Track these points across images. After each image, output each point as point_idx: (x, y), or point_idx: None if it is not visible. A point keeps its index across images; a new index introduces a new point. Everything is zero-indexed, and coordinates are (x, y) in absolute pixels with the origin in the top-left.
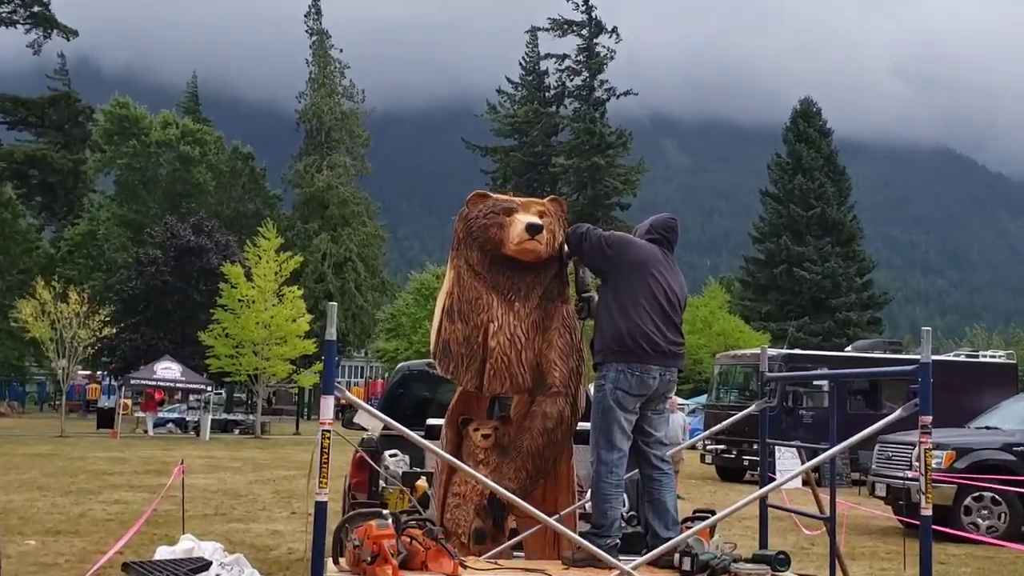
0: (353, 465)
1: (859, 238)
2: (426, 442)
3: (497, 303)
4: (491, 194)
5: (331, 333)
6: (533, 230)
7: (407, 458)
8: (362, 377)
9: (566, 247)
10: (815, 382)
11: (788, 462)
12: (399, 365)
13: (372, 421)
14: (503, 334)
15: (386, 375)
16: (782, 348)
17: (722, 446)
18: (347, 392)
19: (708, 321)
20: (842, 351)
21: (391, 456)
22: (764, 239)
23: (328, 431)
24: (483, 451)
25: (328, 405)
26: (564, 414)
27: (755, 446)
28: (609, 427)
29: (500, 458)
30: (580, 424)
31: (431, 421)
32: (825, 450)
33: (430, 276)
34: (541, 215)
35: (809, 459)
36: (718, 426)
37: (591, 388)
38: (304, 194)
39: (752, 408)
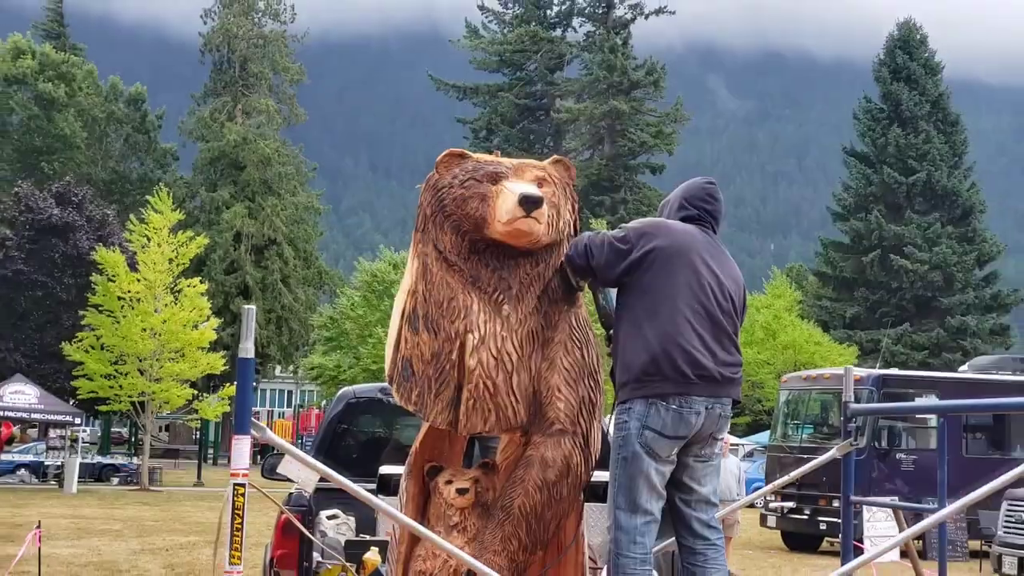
0: (277, 531)
1: (979, 213)
2: (378, 500)
3: (479, 306)
4: (470, 154)
5: (246, 348)
6: (529, 204)
7: (352, 521)
8: (290, 406)
9: (570, 273)
10: (919, 415)
11: (881, 526)
12: (342, 391)
13: (303, 470)
14: (487, 349)
15: (324, 404)
16: (874, 367)
17: (790, 504)
18: (268, 430)
19: (771, 329)
20: (956, 371)
21: (330, 519)
22: (849, 215)
23: (242, 484)
24: (458, 512)
25: (242, 448)
26: (571, 461)
27: (836, 503)
28: (633, 481)
29: (482, 522)
30: (595, 474)
31: (386, 470)
32: (933, 510)
33: (385, 265)
34: (540, 183)
35: (910, 522)
36: (786, 477)
37: (609, 423)
38: (210, 151)
39: (833, 452)
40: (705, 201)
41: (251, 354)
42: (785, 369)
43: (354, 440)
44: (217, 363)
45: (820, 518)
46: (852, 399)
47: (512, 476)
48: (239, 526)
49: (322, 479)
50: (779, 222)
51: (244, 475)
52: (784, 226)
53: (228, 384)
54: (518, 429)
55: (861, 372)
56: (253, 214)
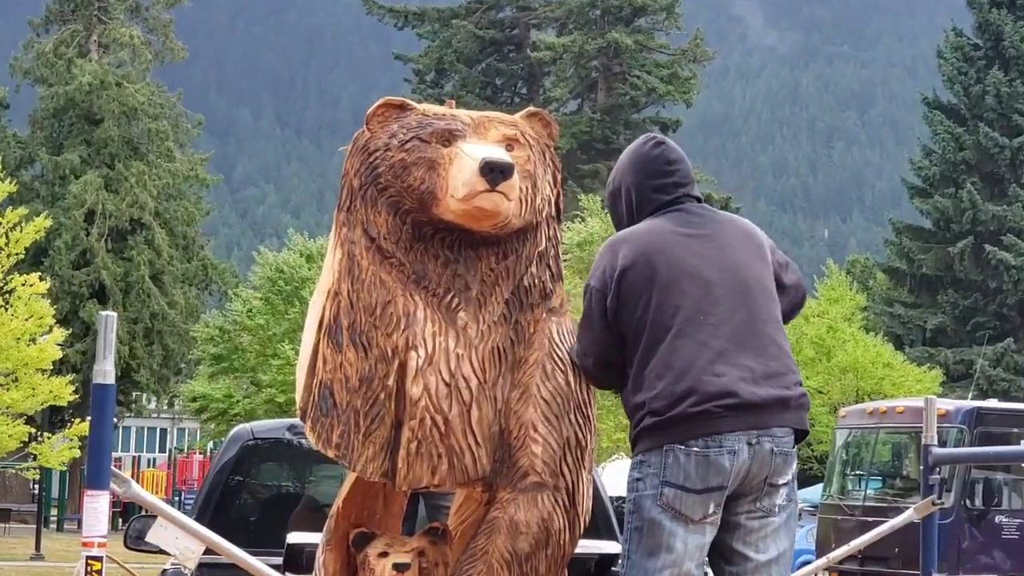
0: None
1: None
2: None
3: (425, 313)
4: (414, 104)
5: (104, 371)
6: (495, 174)
7: None
8: (163, 450)
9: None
10: None
11: None
12: (236, 430)
13: (182, 538)
14: (435, 373)
15: (211, 447)
16: (965, 397)
17: None
18: (135, 484)
19: (824, 346)
20: None
21: None
22: (931, 189)
23: (98, 557)
24: None
25: (98, 507)
26: (551, 525)
27: None
28: (652, 560)
29: None
30: (582, 544)
31: (296, 538)
32: None
33: (296, 257)
34: (510, 144)
35: None
36: (845, 548)
37: (604, 473)
38: (54, 98)
39: (909, 513)
40: (666, 174)
41: (111, 379)
42: (844, 401)
43: (252, 497)
44: (63, 391)
45: None
46: (935, 441)
47: (470, 547)
48: None
49: (208, 550)
50: (835, 199)
51: (101, 544)
52: (842, 204)
53: (79, 420)
54: (478, 482)
55: (948, 405)
56: (112, 186)
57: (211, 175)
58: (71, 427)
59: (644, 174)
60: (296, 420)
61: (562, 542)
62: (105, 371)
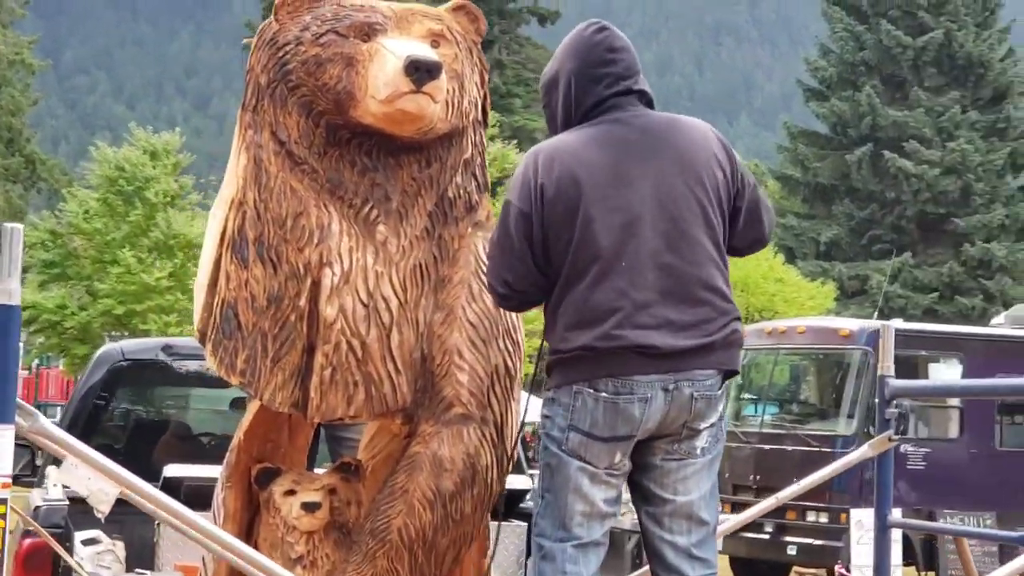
0: (18, 565)
1: (1017, 96)
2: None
3: (340, 226)
4: None
5: (9, 289)
6: (420, 73)
7: (119, 548)
8: None
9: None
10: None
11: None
12: (103, 350)
13: (94, 479)
14: (352, 292)
15: (38, 364)
16: (860, 315)
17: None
18: (42, 416)
19: None
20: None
21: (87, 544)
22: (828, 91)
23: (3, 500)
24: (304, 539)
25: (3, 444)
26: (478, 461)
27: (812, 517)
28: (558, 495)
29: (340, 553)
30: (511, 480)
31: (174, 471)
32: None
33: (138, 153)
34: (436, 40)
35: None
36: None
37: (530, 405)
38: None
39: (864, 449)
40: (608, 63)
41: (16, 299)
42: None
43: (122, 423)
44: None
45: (787, 538)
46: (892, 372)
47: (388, 485)
48: None
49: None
50: (722, 100)
51: (5, 485)
52: (729, 106)
53: None
54: (398, 413)
55: (851, 325)
56: None
57: (38, 60)
58: None
59: (583, 61)
60: (172, 340)
61: (489, 480)
62: (11, 290)
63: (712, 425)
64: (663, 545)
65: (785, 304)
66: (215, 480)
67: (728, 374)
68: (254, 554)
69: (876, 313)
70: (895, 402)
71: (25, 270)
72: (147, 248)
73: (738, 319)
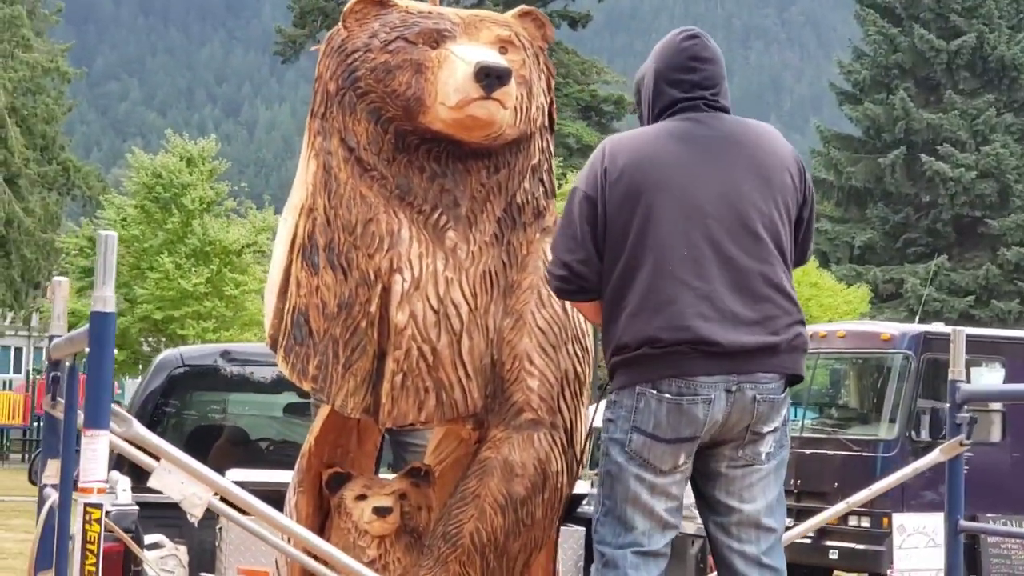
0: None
1: None
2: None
3: (410, 232)
4: (396, 0)
5: (104, 296)
6: (491, 79)
7: (182, 552)
8: (19, 371)
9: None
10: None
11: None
12: (163, 356)
13: (187, 483)
14: (422, 298)
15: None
16: (896, 318)
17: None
18: (136, 422)
19: None
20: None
21: (149, 548)
22: (862, 94)
23: (99, 505)
24: (376, 543)
25: (98, 449)
26: (548, 467)
27: (855, 522)
28: (620, 503)
29: (411, 558)
30: (580, 485)
31: (235, 475)
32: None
33: (175, 160)
34: (504, 47)
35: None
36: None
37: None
38: None
39: (935, 454)
40: (688, 70)
41: (111, 306)
42: None
43: (181, 431)
44: None
45: (829, 543)
46: (963, 376)
47: (459, 490)
48: (93, 569)
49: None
50: (751, 103)
51: (100, 491)
52: (759, 109)
53: None
54: (468, 419)
55: (892, 329)
56: None
57: (72, 68)
58: None
59: (666, 65)
60: (230, 345)
61: (559, 485)
62: (105, 298)
63: (775, 430)
64: (732, 554)
65: (820, 309)
66: (275, 485)
67: (792, 379)
68: (351, 563)
69: (917, 317)
70: (966, 407)
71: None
72: (184, 254)
73: (803, 323)
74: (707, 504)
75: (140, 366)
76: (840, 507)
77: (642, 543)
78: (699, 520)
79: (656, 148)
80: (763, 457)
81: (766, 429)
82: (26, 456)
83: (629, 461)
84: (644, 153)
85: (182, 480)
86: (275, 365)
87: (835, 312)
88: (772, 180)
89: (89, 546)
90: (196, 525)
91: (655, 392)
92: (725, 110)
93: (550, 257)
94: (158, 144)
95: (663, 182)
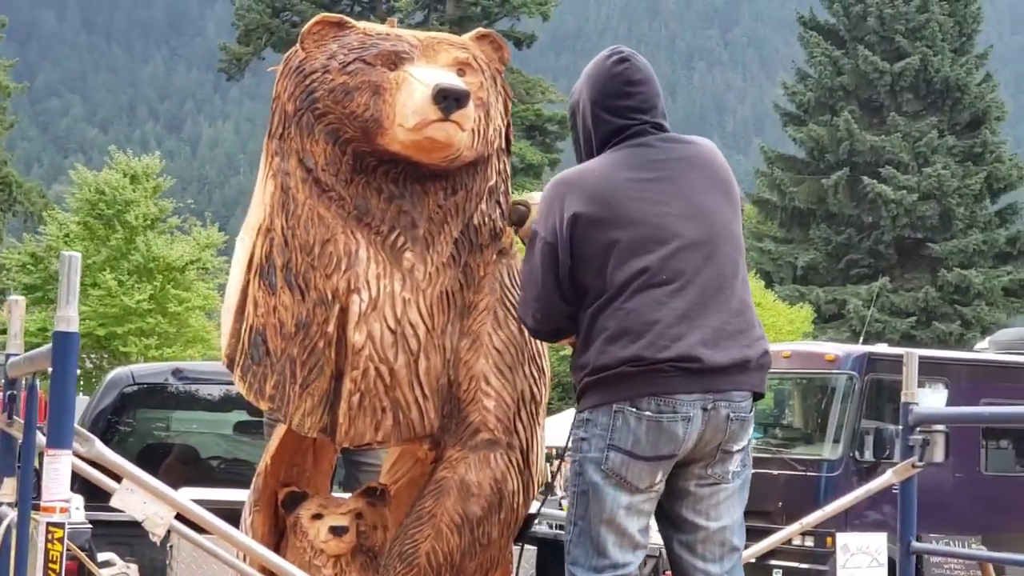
0: None
1: (994, 120)
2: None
3: (368, 253)
4: (353, 22)
5: (68, 316)
6: (449, 101)
7: (133, 570)
8: None
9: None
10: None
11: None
12: (114, 374)
13: (150, 503)
14: (380, 319)
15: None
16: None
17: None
18: (99, 442)
19: None
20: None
21: (101, 566)
22: (806, 115)
23: (60, 524)
24: (331, 562)
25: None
26: (504, 487)
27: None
28: (594, 526)
29: (366, 575)
30: (535, 506)
31: (188, 493)
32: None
33: (118, 176)
34: (462, 69)
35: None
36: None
37: (559, 431)
38: None
39: (888, 475)
40: (624, 95)
41: (75, 326)
42: None
43: (130, 450)
44: None
45: (773, 562)
46: (916, 399)
47: (415, 509)
48: None
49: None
50: (694, 123)
51: (63, 510)
52: (702, 129)
53: None
54: (425, 439)
55: (836, 350)
56: None
57: (13, 83)
58: None
59: (600, 92)
60: (181, 364)
61: (516, 505)
62: (69, 317)
63: (742, 449)
64: (696, 573)
65: (764, 328)
66: (227, 503)
67: (756, 396)
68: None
69: (860, 338)
70: (917, 429)
71: (2, 292)
72: (127, 271)
73: (765, 338)
74: (671, 523)
75: (82, 383)
76: (794, 527)
77: (617, 566)
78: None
79: (616, 181)
80: (730, 476)
81: (735, 448)
82: None
83: (605, 480)
84: (604, 187)
85: (144, 500)
86: (226, 383)
87: (779, 332)
88: (732, 195)
89: (51, 565)
90: (157, 544)
91: (634, 410)
92: (660, 126)
93: (518, 297)
94: (100, 160)
95: (631, 213)
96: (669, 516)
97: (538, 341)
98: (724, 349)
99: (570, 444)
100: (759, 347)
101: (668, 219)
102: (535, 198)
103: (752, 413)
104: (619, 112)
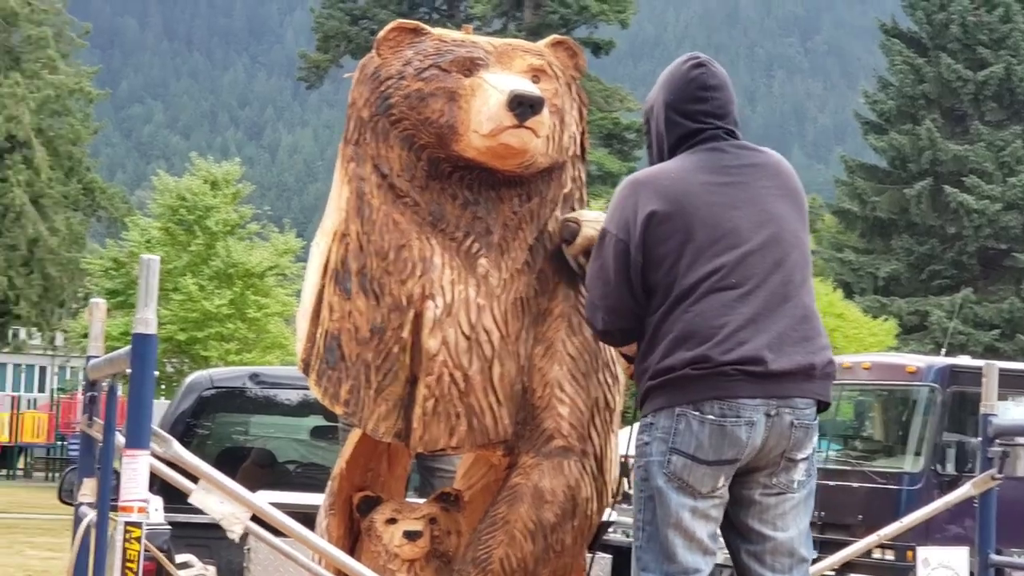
0: None
1: None
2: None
3: (442, 259)
4: (428, 29)
5: (146, 318)
6: (524, 107)
7: (211, 572)
8: (43, 390)
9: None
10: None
11: None
12: (193, 377)
13: (226, 503)
14: (454, 325)
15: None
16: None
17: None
18: (176, 443)
19: None
20: None
21: (179, 567)
22: (888, 125)
23: (138, 523)
24: (406, 567)
25: (139, 469)
26: (578, 494)
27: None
28: (662, 531)
29: None
30: (609, 513)
31: (265, 496)
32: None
33: (199, 183)
34: (537, 76)
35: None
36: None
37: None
38: None
39: (967, 488)
40: (699, 100)
41: (153, 328)
42: None
43: (208, 453)
44: None
45: (853, 575)
46: (996, 410)
47: (489, 515)
48: None
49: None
50: (774, 132)
51: (141, 509)
52: (781, 139)
53: None
54: (499, 445)
55: (918, 362)
56: None
57: (96, 89)
58: None
59: (675, 95)
60: (259, 368)
61: (589, 512)
62: (147, 319)
63: (807, 458)
64: None
65: (845, 340)
66: (303, 507)
67: (822, 406)
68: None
69: (943, 350)
70: (997, 441)
71: (86, 297)
72: (207, 276)
73: (830, 348)
74: (738, 532)
75: (163, 387)
76: (872, 539)
77: (688, 572)
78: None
79: (690, 184)
80: (795, 485)
81: (800, 456)
82: (50, 475)
83: (668, 483)
84: (679, 189)
85: (221, 500)
86: (303, 388)
87: (861, 344)
88: (800, 205)
89: (129, 564)
90: (236, 542)
91: (697, 414)
92: (733, 133)
93: (585, 296)
94: (181, 166)
95: (704, 216)
96: (735, 526)
97: (611, 348)
98: (788, 355)
99: (635, 449)
100: (824, 356)
101: (740, 224)
102: (586, 215)
103: (816, 422)
104: (692, 116)
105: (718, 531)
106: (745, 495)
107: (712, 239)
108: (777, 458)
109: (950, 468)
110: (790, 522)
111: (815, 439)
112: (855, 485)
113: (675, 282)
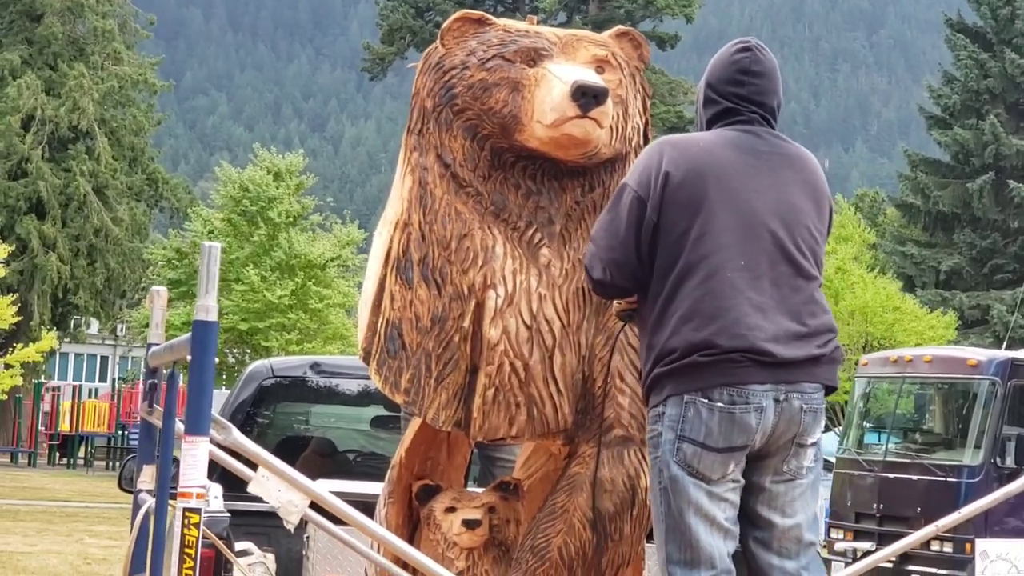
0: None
1: None
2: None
3: (504, 249)
4: (493, 19)
5: (207, 305)
6: (587, 98)
7: (270, 560)
8: (104, 379)
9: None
10: None
11: None
12: (253, 367)
13: (284, 490)
14: (515, 314)
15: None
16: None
17: (867, 544)
18: (235, 430)
19: (833, 288)
20: None
21: (238, 555)
22: (952, 119)
23: (197, 509)
24: (464, 555)
25: (198, 455)
26: (638, 483)
27: (937, 546)
28: (682, 519)
29: (499, 570)
30: None
31: (325, 485)
32: None
33: (262, 174)
34: (601, 66)
35: None
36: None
37: None
38: None
39: (1022, 480)
40: (736, 83)
41: (214, 315)
42: (851, 345)
43: (268, 442)
44: (5, 311)
45: (911, 567)
46: None
47: (548, 504)
48: (190, 573)
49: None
50: (838, 126)
51: (200, 496)
52: (845, 132)
53: (18, 345)
54: (559, 434)
55: (979, 355)
56: (53, 89)
57: (160, 81)
58: (11, 353)
59: (715, 75)
60: (319, 358)
61: (648, 502)
62: (208, 306)
63: (815, 443)
64: (773, 570)
65: (904, 333)
66: (363, 496)
67: (828, 390)
68: (443, 573)
69: (1004, 344)
70: None
71: (149, 286)
72: (270, 267)
73: (836, 334)
74: (747, 518)
75: (224, 376)
76: (928, 530)
77: (713, 558)
78: None
79: (718, 157)
80: (804, 471)
81: (809, 441)
82: (110, 463)
83: (680, 471)
84: (705, 161)
85: (279, 488)
86: (363, 378)
87: (920, 338)
88: (822, 204)
89: (187, 550)
90: (292, 532)
91: (706, 401)
92: (770, 122)
93: (591, 246)
94: (244, 158)
95: (725, 192)
96: (744, 512)
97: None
98: (797, 345)
99: (648, 440)
100: (831, 344)
101: (758, 208)
102: None
103: (823, 406)
104: (727, 97)
105: (736, 515)
106: (755, 482)
107: (728, 216)
108: (788, 443)
109: (1010, 461)
110: (798, 508)
111: (822, 424)
112: (915, 478)
113: (683, 252)
